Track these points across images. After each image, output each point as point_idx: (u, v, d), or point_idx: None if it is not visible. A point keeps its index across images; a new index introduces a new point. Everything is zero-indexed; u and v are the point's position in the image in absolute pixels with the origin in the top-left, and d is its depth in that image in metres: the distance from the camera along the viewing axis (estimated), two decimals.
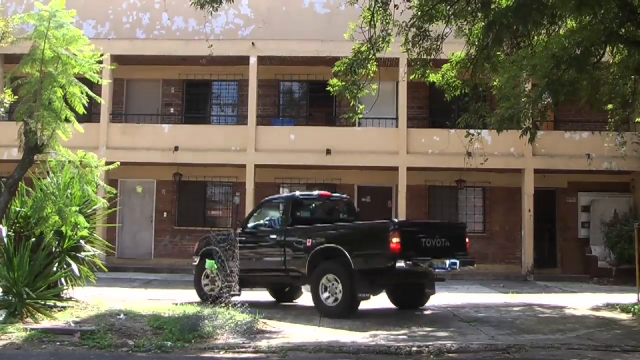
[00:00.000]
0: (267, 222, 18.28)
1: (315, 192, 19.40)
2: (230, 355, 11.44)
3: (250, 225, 18.42)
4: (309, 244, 16.54)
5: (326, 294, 15.85)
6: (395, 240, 15.01)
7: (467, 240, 16.93)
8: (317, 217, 18.43)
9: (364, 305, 16.26)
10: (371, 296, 15.95)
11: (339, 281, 15.62)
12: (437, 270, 15.87)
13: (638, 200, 29.45)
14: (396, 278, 16.27)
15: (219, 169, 30.23)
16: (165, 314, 13.90)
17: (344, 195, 21.16)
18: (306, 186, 30.53)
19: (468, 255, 16.69)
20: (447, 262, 15.54)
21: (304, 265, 16.45)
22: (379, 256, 15.40)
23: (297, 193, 19.10)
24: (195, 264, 18.86)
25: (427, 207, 30.63)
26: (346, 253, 15.58)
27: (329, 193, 19.91)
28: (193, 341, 12.03)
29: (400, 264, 14.90)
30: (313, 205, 19.08)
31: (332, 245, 16.10)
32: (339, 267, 15.73)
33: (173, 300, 17.38)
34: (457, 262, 15.73)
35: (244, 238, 17.49)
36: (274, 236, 17.64)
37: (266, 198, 19.82)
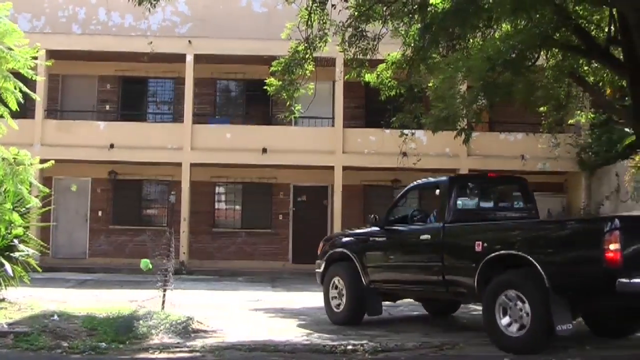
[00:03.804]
0: (416, 217, 14.46)
1: (481, 172, 15.82)
2: (165, 355, 11.38)
3: (391, 220, 14.47)
4: (478, 248, 12.12)
5: (506, 319, 11.37)
6: (613, 246, 10.37)
7: None
8: (485, 208, 14.28)
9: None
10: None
11: (525, 301, 11.15)
12: None
13: (571, 200, 29.97)
14: (613, 301, 11.18)
15: (155, 168, 30.06)
16: (100, 315, 13.78)
17: (517, 176, 16.46)
18: (242, 185, 30.58)
19: None
20: None
21: (471, 278, 12.16)
22: (588, 270, 10.87)
23: (458, 174, 15.45)
24: (320, 270, 15.53)
25: (362, 206, 30.78)
26: (536, 263, 11.07)
27: (497, 173, 16.67)
28: (128, 342, 11.90)
29: (624, 281, 10.30)
30: (479, 190, 14.52)
31: (514, 252, 11.64)
32: (526, 282, 11.30)
33: (108, 301, 17.04)
34: None
35: (384, 238, 14.34)
36: (426, 236, 13.45)
37: (414, 183, 15.49)
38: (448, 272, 12.77)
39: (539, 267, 11.01)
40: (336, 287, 14.83)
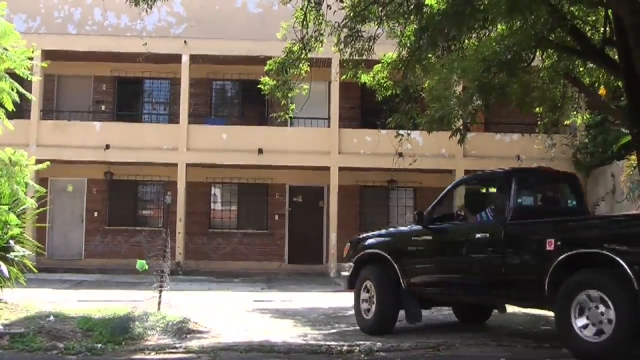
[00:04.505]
0: (463, 214, 13.70)
1: (534, 166, 14.99)
2: (161, 356, 11.37)
3: (435, 218, 13.31)
4: (550, 247, 10.94)
5: (582, 320, 10.29)
6: None
7: None
8: (541, 204, 13.16)
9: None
10: None
11: (608, 304, 9.98)
12: None
13: None
14: None
15: (151, 168, 30.05)
16: (96, 316, 13.77)
17: (568, 172, 15.99)
18: (238, 186, 30.59)
19: None
20: None
21: (540, 279, 10.90)
22: None
23: (514, 167, 14.24)
24: (348, 274, 14.36)
25: (358, 207, 30.87)
26: (622, 263, 9.83)
27: (549, 168, 15.22)
28: (124, 343, 11.90)
29: None
30: (535, 185, 13.52)
31: (594, 249, 10.45)
32: (611, 283, 10.12)
33: (106, 301, 17.03)
34: None
35: (428, 238, 13.26)
36: (482, 235, 12.33)
37: (463, 177, 14.45)
38: (510, 274, 11.63)
39: (627, 268, 9.79)
40: (368, 292, 13.60)
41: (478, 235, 12.38)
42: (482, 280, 12.14)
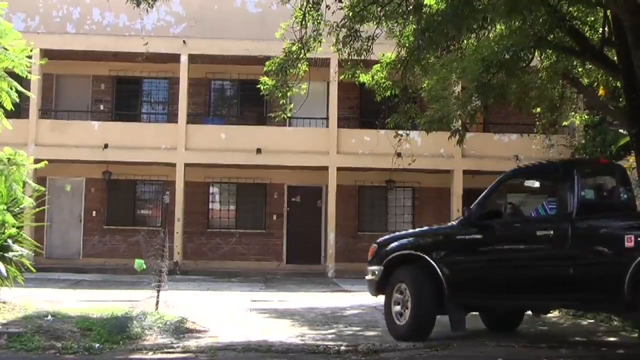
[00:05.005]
0: (514, 210, 12.59)
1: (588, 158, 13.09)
2: (159, 355, 11.37)
3: (484, 214, 12.15)
4: (630, 243, 9.98)
5: None
6: None
7: None
8: (601, 198, 12.02)
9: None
10: None
11: None
12: None
13: None
14: None
15: (149, 168, 30.04)
16: (94, 315, 13.76)
17: (618, 164, 14.75)
18: (236, 186, 30.60)
19: None
20: None
21: (618, 280, 9.98)
22: None
23: (574, 158, 12.59)
24: (375, 278, 13.13)
25: (357, 207, 30.89)
26: None
27: (601, 158, 13.67)
28: (122, 342, 11.89)
29: None
30: (595, 177, 12.63)
31: None
32: None
33: (105, 301, 17.01)
34: None
35: (478, 236, 12.14)
36: (544, 232, 11.37)
37: (514, 169, 13.63)
38: (580, 275, 10.66)
39: None
40: (402, 294, 12.45)
41: (539, 233, 11.46)
42: (545, 282, 11.13)
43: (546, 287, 11.10)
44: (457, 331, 12.14)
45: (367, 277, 13.38)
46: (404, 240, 13.17)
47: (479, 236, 12.06)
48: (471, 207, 12.21)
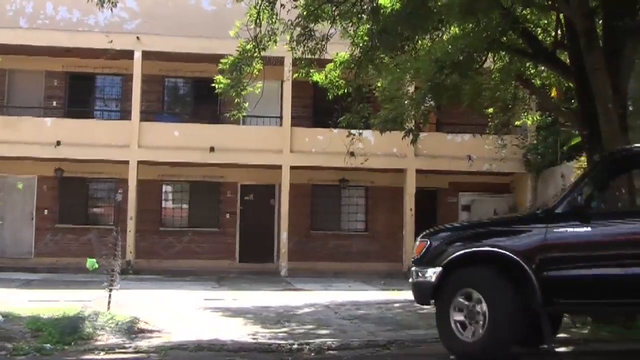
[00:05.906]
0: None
1: None
2: (110, 356, 11.27)
3: (577, 206, 9.79)
4: None
5: None
6: None
7: None
8: None
9: None
10: None
11: None
12: None
13: (517, 200, 30.38)
14: None
15: (102, 165, 29.80)
16: (45, 316, 13.61)
17: None
18: (189, 184, 30.50)
19: None
20: None
21: None
22: None
23: None
24: (428, 280, 10.53)
25: (310, 205, 30.92)
26: None
27: None
28: (73, 343, 11.77)
29: None
30: None
31: None
32: None
33: (56, 301, 16.81)
34: None
35: (573, 230, 9.83)
36: None
37: (619, 148, 11.05)
38: None
39: None
40: (470, 301, 10.05)
41: None
42: None
43: None
44: (550, 344, 10.53)
45: (412, 280, 10.96)
46: (469, 234, 10.78)
47: (573, 230, 9.83)
48: (569, 195, 10.05)
